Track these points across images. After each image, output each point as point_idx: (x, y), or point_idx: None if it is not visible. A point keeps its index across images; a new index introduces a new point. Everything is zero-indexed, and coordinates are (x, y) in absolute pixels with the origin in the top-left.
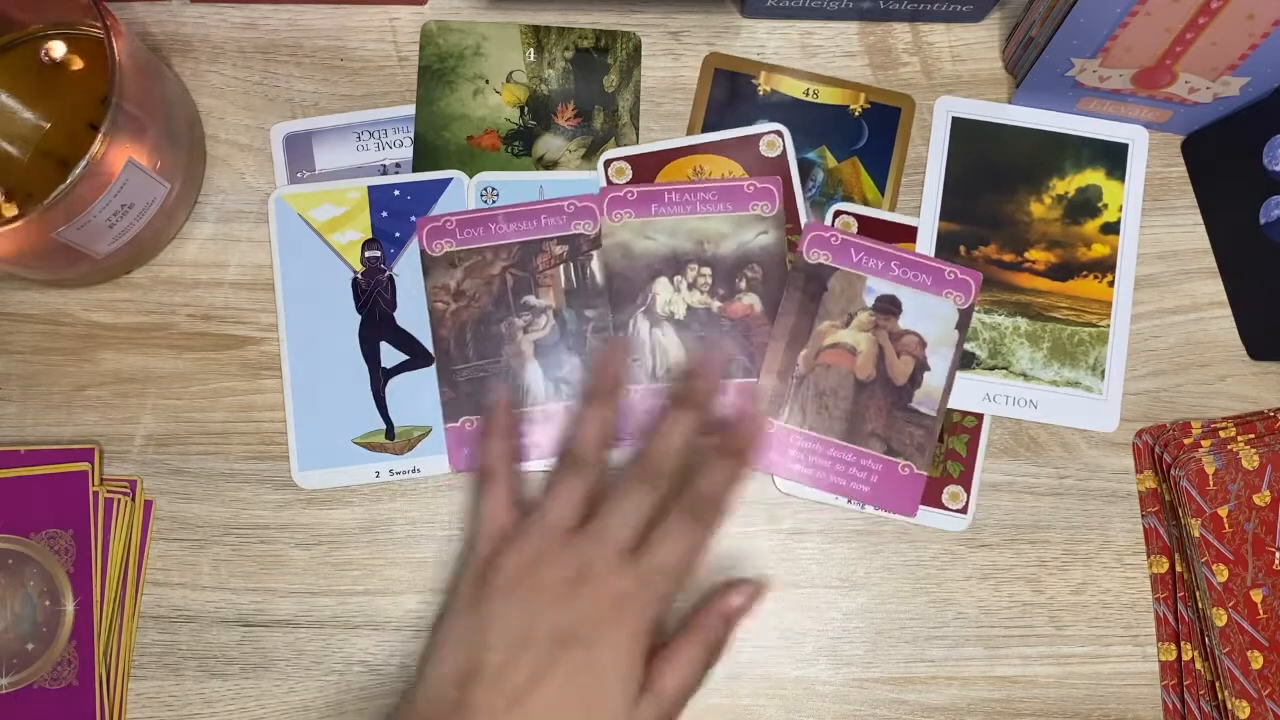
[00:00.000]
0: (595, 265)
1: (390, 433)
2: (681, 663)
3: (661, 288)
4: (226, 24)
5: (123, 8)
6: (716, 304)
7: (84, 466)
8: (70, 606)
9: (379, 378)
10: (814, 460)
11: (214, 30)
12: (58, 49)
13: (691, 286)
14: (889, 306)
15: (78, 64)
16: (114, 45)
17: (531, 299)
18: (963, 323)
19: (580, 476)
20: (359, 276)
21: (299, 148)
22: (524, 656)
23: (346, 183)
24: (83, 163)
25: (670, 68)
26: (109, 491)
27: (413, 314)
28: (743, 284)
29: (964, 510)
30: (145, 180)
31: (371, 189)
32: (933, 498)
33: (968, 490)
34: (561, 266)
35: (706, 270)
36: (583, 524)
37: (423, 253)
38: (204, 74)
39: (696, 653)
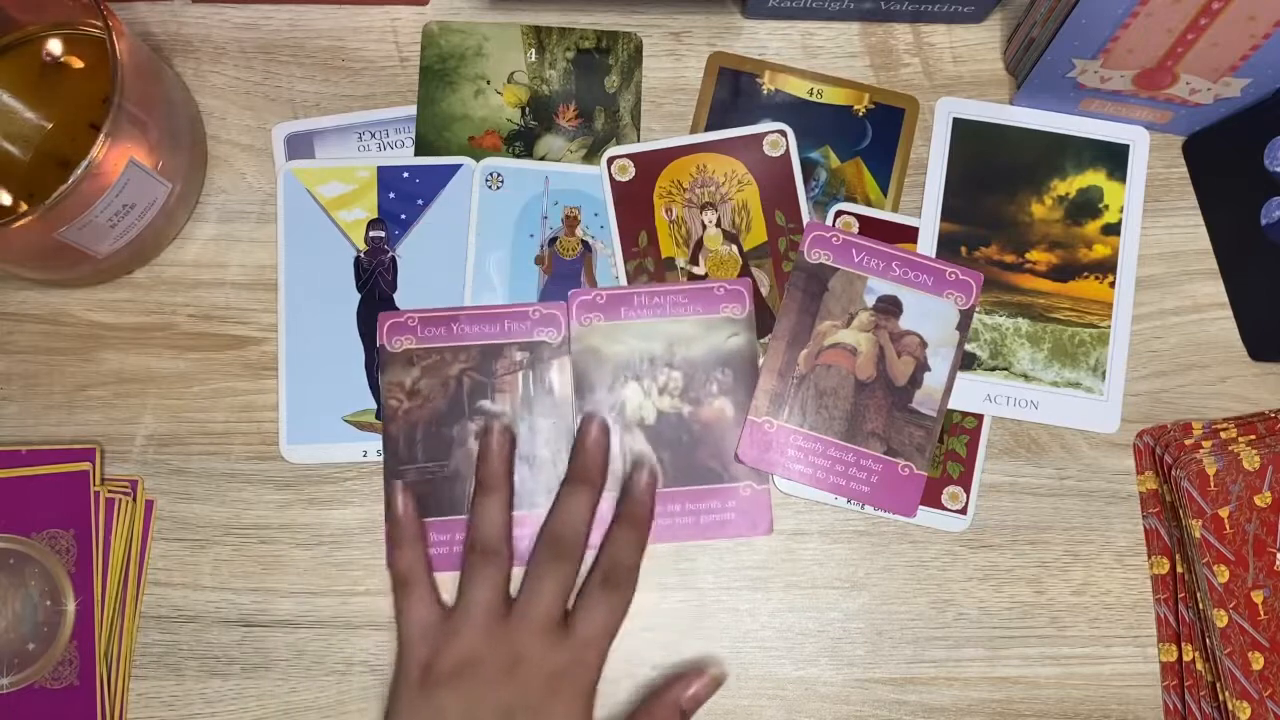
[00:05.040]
0: (554, 375)
1: (381, 413)
2: None
3: (631, 392)
4: (228, 24)
5: (124, 8)
6: (688, 408)
7: (85, 466)
8: (71, 606)
9: (374, 358)
10: (814, 460)
11: (215, 30)
12: (59, 49)
13: (662, 391)
14: (890, 307)
15: (79, 64)
16: (115, 45)
17: (487, 404)
18: (964, 323)
19: (492, 565)
20: (361, 255)
21: (300, 148)
22: None
23: (356, 161)
24: (84, 163)
25: (672, 68)
26: (110, 491)
27: (413, 296)
28: (714, 387)
29: (964, 511)
30: (147, 180)
31: (381, 169)
32: (932, 498)
33: (967, 491)
34: (521, 374)
35: (677, 374)
36: (505, 608)
37: (381, 348)
38: (205, 74)
39: None
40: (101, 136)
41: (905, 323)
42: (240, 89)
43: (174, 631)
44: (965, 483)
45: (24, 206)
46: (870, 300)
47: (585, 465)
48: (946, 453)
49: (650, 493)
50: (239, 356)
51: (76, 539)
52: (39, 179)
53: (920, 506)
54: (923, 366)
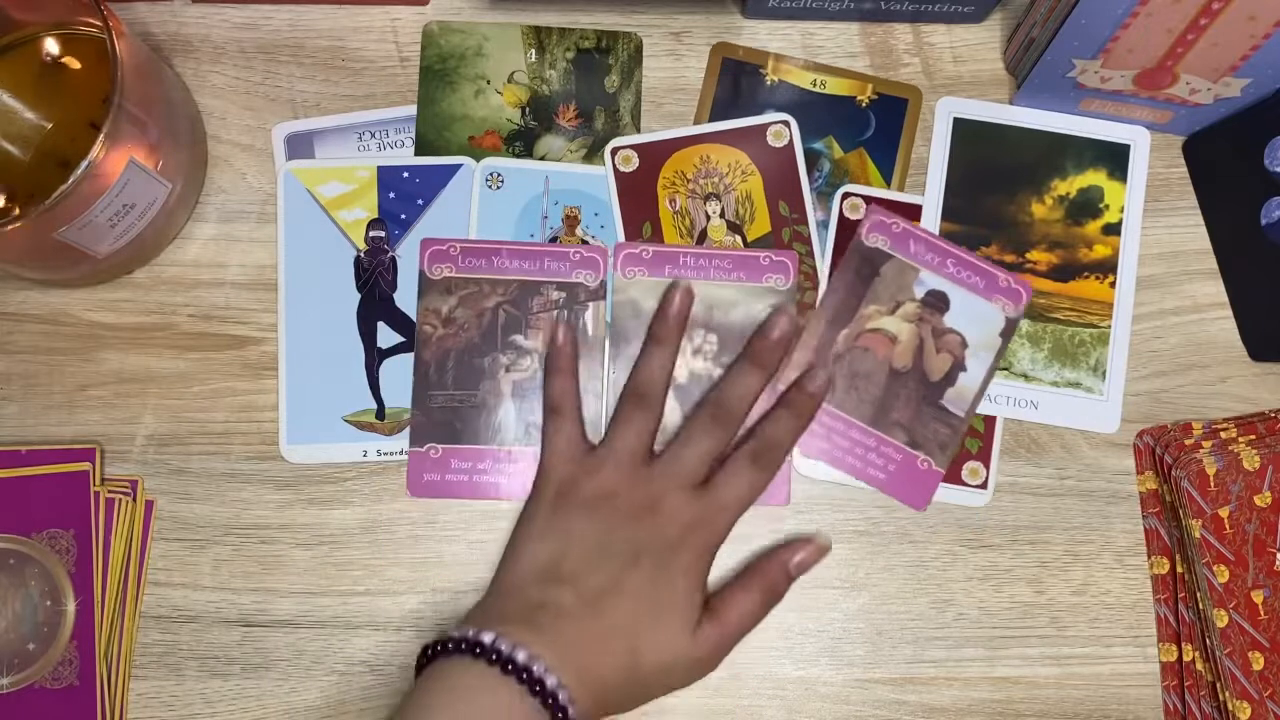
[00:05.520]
0: (588, 317)
1: (381, 413)
2: (742, 601)
3: None
4: (228, 24)
5: (124, 8)
6: (719, 372)
7: (85, 466)
8: (71, 606)
9: (374, 358)
10: (835, 439)
11: (215, 30)
12: (58, 49)
13: (696, 352)
14: (937, 302)
15: (79, 64)
16: (115, 45)
17: (520, 339)
18: (1008, 331)
19: (646, 412)
20: (361, 255)
21: (300, 148)
22: (602, 564)
23: (356, 161)
24: (84, 163)
25: (672, 68)
26: (110, 491)
27: (412, 296)
28: None
29: (984, 486)
30: (146, 180)
31: (381, 169)
32: (952, 475)
33: (987, 466)
34: (556, 312)
35: (713, 337)
36: (649, 456)
37: (421, 274)
38: (205, 74)
39: (756, 596)
40: (101, 136)
41: (950, 320)
42: (240, 89)
43: (174, 631)
44: (984, 457)
45: (24, 207)
46: (919, 292)
47: (763, 351)
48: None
49: (822, 393)
50: (239, 356)
51: (76, 539)
52: (39, 179)
53: (940, 484)
54: (959, 366)
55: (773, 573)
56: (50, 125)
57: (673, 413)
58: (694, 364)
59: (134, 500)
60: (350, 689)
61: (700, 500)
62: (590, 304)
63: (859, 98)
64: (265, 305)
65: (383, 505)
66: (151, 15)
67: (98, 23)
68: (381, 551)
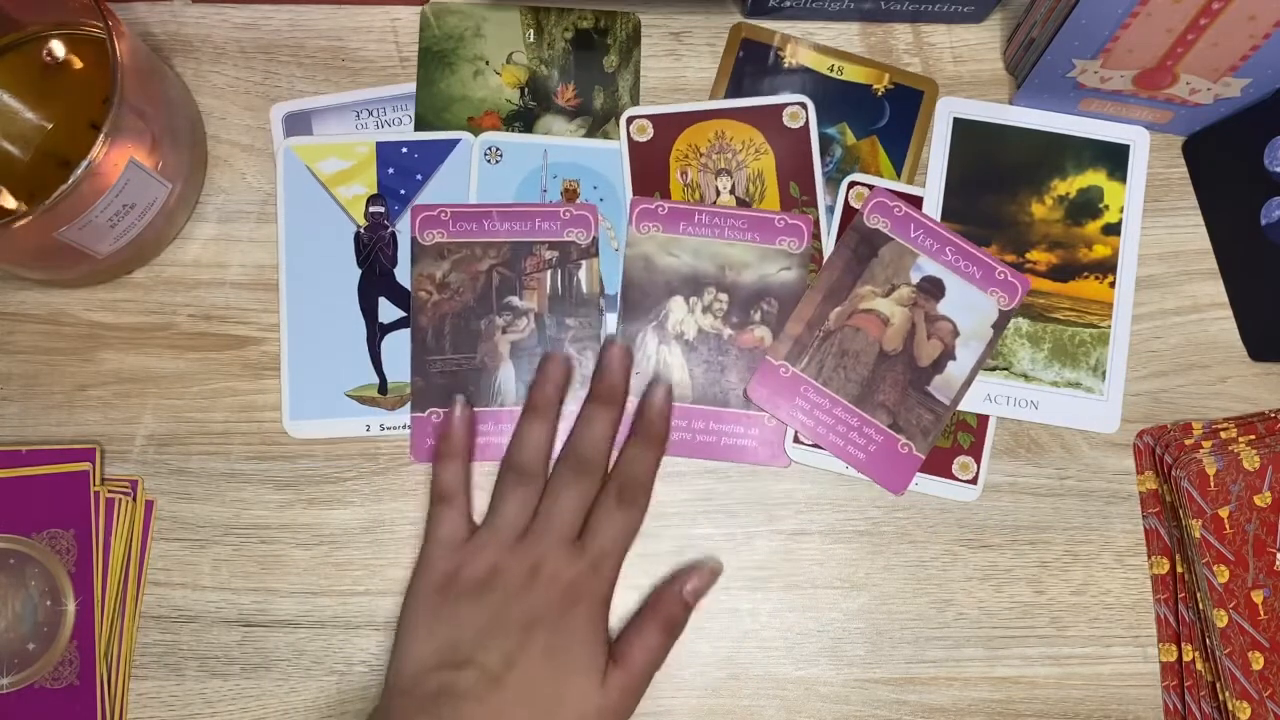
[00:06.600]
0: (582, 275)
1: (383, 388)
2: (643, 640)
3: (676, 306)
4: (228, 24)
5: (124, 8)
6: (728, 331)
7: (85, 466)
8: (71, 606)
9: (375, 333)
10: (818, 415)
11: (215, 30)
12: (59, 49)
13: (706, 310)
14: (932, 288)
15: (79, 64)
16: (116, 45)
17: (515, 300)
18: (1000, 324)
19: (527, 487)
20: (361, 231)
21: (298, 126)
22: (496, 642)
23: (355, 137)
24: (85, 163)
25: (671, 68)
26: (110, 491)
27: None
28: (757, 315)
29: (974, 481)
30: (147, 180)
31: (380, 145)
32: (943, 468)
33: (978, 461)
34: (549, 272)
35: (724, 296)
36: (528, 526)
37: (413, 240)
38: (206, 74)
39: (656, 632)
40: (101, 136)
41: (943, 308)
42: (240, 89)
43: (174, 631)
44: (976, 453)
45: (24, 206)
46: (915, 277)
47: (607, 386)
48: (957, 423)
49: (666, 410)
50: (239, 356)
51: (76, 539)
52: (39, 179)
53: (930, 477)
54: (949, 354)
55: (669, 605)
56: (50, 125)
57: (679, 369)
58: (703, 321)
59: (134, 500)
60: (350, 689)
61: (581, 555)
62: (583, 262)
63: (875, 86)
64: (265, 305)
65: (383, 505)
66: (151, 15)
67: (98, 23)
68: (381, 551)
